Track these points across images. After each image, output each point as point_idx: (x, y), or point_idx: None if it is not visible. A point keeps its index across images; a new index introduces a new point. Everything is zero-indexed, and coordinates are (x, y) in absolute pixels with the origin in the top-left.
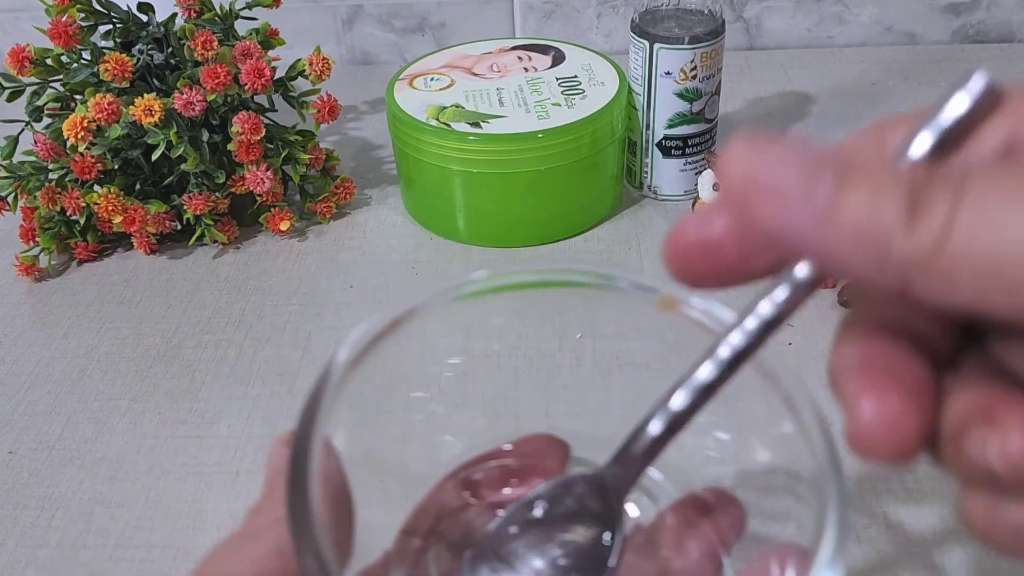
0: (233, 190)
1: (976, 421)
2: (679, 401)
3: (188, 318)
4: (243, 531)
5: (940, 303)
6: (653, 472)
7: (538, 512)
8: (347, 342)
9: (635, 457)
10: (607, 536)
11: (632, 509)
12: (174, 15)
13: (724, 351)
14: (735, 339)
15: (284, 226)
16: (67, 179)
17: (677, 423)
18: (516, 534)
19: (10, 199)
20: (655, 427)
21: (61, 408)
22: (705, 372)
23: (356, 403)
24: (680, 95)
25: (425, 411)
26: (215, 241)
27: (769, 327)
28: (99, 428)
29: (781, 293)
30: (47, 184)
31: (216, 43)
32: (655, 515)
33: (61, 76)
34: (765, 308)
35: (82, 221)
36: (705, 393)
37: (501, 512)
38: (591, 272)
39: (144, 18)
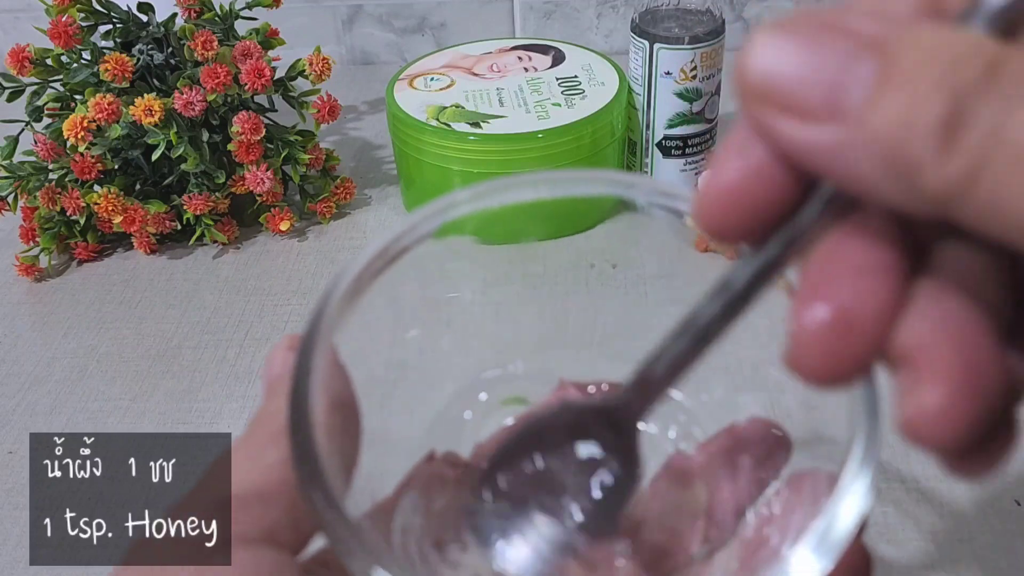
0: (233, 190)
1: None
2: (703, 318)
3: (188, 318)
4: (249, 438)
5: (989, 237)
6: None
7: (543, 447)
8: (362, 253)
9: (653, 380)
10: (616, 474)
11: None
12: (174, 15)
13: (745, 270)
14: (757, 259)
15: (284, 226)
16: (67, 179)
17: (701, 340)
18: (518, 471)
19: (10, 199)
20: (676, 345)
21: (61, 408)
22: (723, 295)
23: (368, 317)
24: (680, 95)
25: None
26: (215, 241)
27: (795, 246)
28: (99, 428)
29: (812, 210)
30: (47, 184)
31: (216, 43)
32: (693, 446)
33: (61, 76)
34: (796, 225)
35: (82, 221)
36: (729, 312)
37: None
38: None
39: (144, 18)
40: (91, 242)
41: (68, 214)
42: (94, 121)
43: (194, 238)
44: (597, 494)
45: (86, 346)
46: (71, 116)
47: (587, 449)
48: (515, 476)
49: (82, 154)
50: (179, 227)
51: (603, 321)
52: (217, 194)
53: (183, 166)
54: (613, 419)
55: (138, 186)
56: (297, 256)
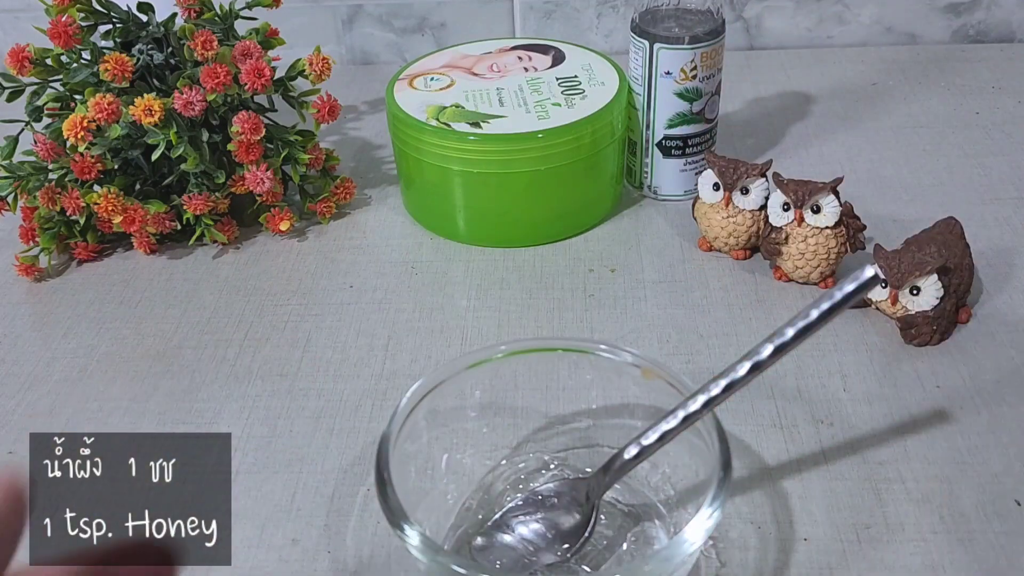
0: (233, 190)
1: None
2: (648, 438)
3: (188, 318)
4: None
5: None
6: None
7: (542, 499)
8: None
9: (613, 470)
10: (582, 518)
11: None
12: (174, 15)
13: (680, 413)
14: (690, 406)
15: (284, 226)
16: (67, 179)
17: (644, 452)
18: (525, 512)
19: (10, 199)
20: (630, 452)
21: (61, 408)
22: (666, 424)
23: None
24: (680, 95)
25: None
26: (215, 241)
27: (710, 404)
28: (99, 428)
29: (709, 390)
30: (47, 184)
31: (216, 43)
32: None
33: (61, 76)
34: (715, 388)
35: (82, 221)
36: (665, 437)
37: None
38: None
39: (144, 18)
40: (91, 242)
41: (68, 214)
42: (94, 121)
43: (194, 238)
44: (564, 533)
45: (86, 346)
46: (71, 116)
47: (563, 506)
48: (518, 517)
49: (82, 154)
50: (179, 227)
51: (602, 327)
52: (217, 194)
53: (183, 166)
54: (587, 489)
55: (138, 186)
56: (297, 256)
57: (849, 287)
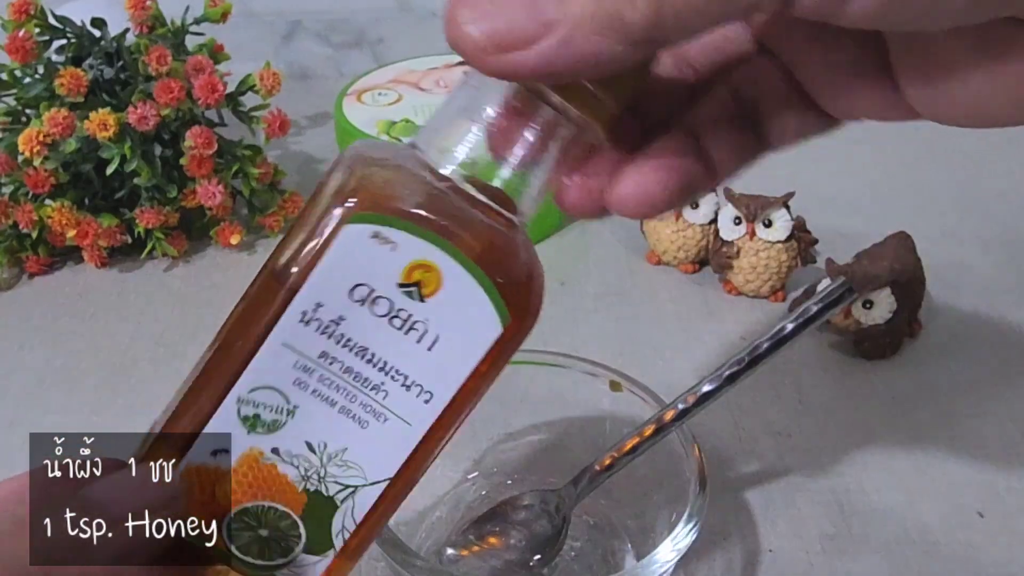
0: (184, 204)
1: None
2: (619, 451)
3: (142, 331)
4: None
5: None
6: None
7: (513, 510)
8: None
9: (584, 483)
10: (554, 530)
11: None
12: (126, 30)
13: (648, 429)
14: (662, 418)
15: (234, 239)
16: (19, 193)
17: (615, 465)
18: (495, 524)
19: None
20: (601, 464)
21: (21, 421)
22: (637, 437)
23: None
24: None
25: None
26: (165, 255)
27: (681, 416)
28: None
29: (683, 401)
30: (0, 198)
31: (170, 58)
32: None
33: (15, 91)
34: (685, 401)
35: (34, 235)
36: (633, 451)
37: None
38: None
39: (97, 33)
40: (42, 255)
41: (20, 228)
42: (50, 135)
43: (146, 252)
44: (535, 545)
45: (42, 360)
46: (27, 130)
47: (534, 518)
48: (489, 527)
49: (36, 168)
50: (129, 241)
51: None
52: (168, 208)
53: (137, 180)
54: (557, 501)
55: (87, 200)
56: (247, 269)
57: (824, 300)
